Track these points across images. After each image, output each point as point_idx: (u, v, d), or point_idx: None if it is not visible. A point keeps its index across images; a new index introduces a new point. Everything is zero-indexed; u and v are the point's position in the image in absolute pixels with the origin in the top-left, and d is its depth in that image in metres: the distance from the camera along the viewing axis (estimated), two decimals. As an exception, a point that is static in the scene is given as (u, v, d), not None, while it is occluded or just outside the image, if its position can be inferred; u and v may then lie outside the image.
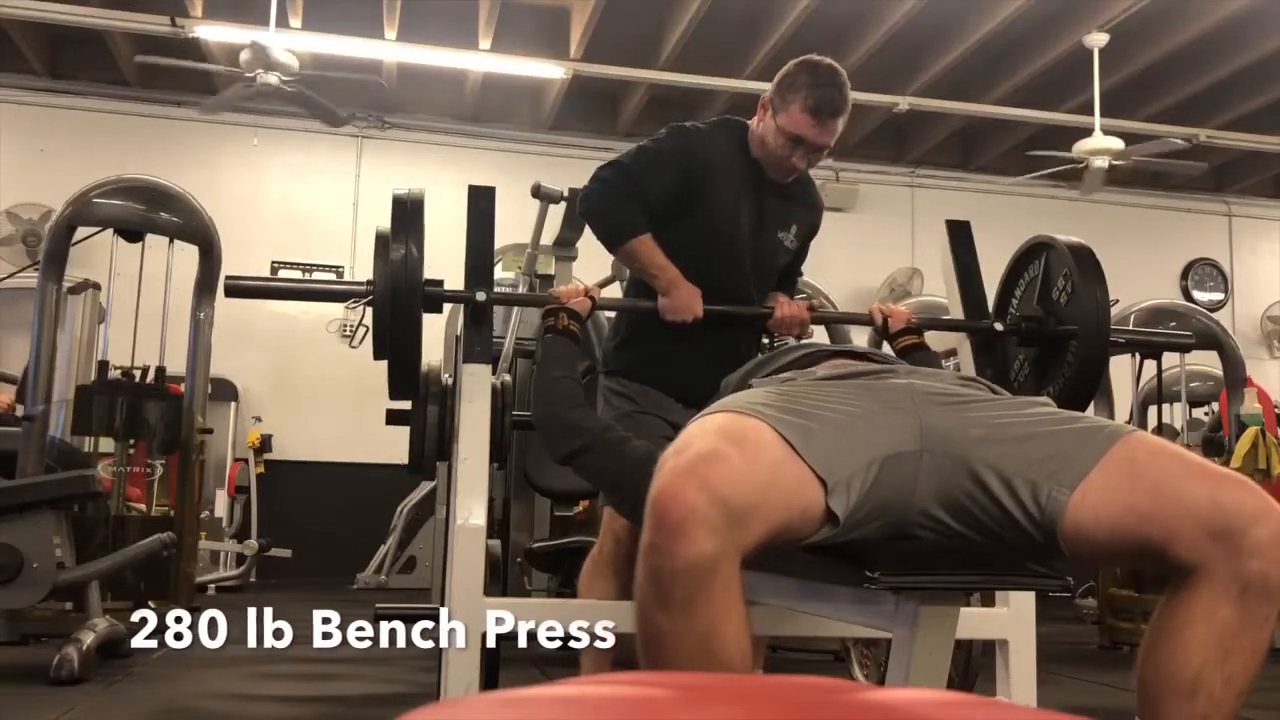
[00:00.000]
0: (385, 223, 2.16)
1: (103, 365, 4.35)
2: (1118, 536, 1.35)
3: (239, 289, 2.28)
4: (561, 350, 2.12)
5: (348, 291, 2.28)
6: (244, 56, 6.30)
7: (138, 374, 4.46)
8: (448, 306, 5.20)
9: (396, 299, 2.09)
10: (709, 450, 1.28)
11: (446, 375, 2.47)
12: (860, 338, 6.53)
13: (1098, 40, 6.98)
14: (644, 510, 1.27)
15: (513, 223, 3.32)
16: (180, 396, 4.46)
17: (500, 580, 2.59)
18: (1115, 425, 1.46)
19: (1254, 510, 1.28)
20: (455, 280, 2.19)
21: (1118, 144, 7.20)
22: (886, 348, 2.35)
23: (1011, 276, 2.42)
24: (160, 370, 4.45)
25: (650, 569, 1.23)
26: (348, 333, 8.08)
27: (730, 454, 1.28)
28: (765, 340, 2.57)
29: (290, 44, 6.53)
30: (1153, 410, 5.81)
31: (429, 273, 2.23)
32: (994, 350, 2.37)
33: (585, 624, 2.26)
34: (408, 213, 2.15)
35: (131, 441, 4.42)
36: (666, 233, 2.28)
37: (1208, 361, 5.78)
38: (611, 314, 2.92)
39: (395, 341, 2.13)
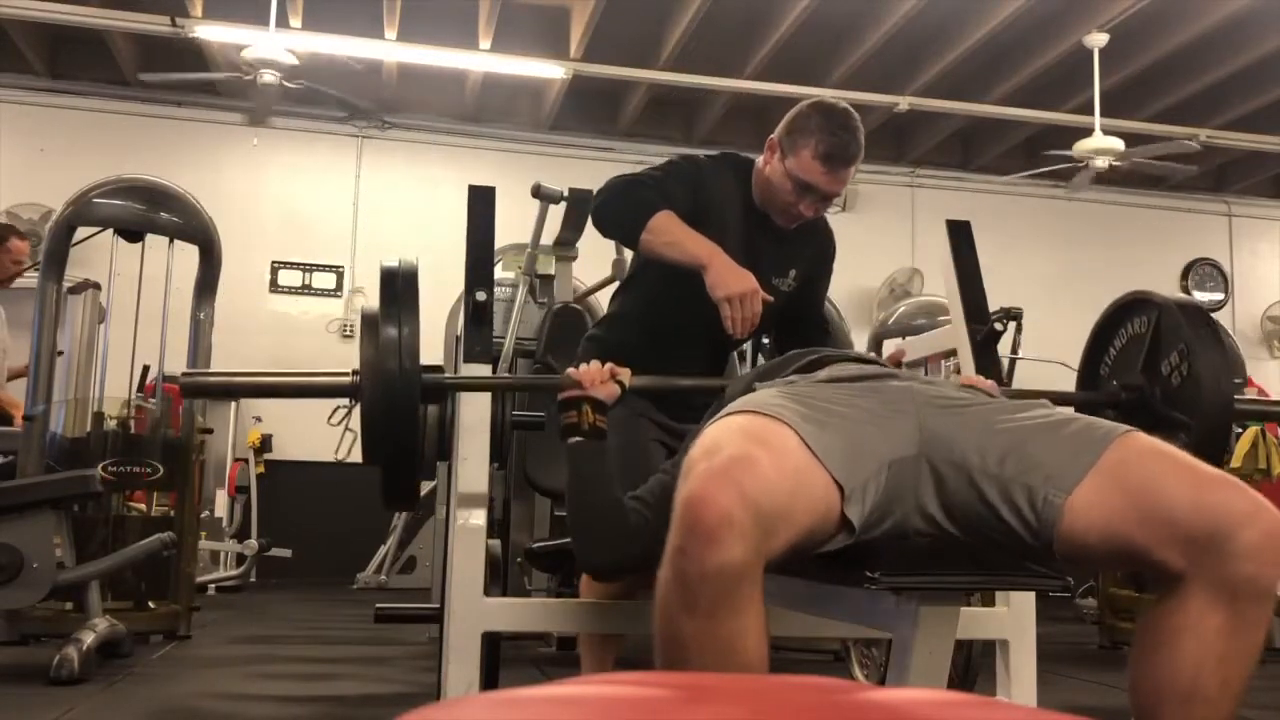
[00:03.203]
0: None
1: (98, 417, 4.30)
2: (1108, 542, 1.34)
3: (194, 387, 1.97)
4: (595, 466, 1.76)
5: (331, 386, 1.93)
6: (244, 56, 6.30)
7: (134, 408, 4.45)
8: (448, 304, 5.16)
9: (390, 390, 1.79)
10: (742, 454, 1.26)
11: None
12: (860, 341, 6.53)
13: (1098, 40, 6.99)
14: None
15: (513, 223, 3.32)
16: (179, 439, 4.41)
17: (500, 580, 2.58)
18: (1111, 426, 1.43)
19: (1243, 512, 1.25)
20: (456, 282, 2.16)
21: (1118, 144, 7.20)
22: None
23: (1106, 329, 2.16)
24: (158, 417, 4.43)
25: (678, 572, 1.21)
26: (348, 332, 8.10)
27: (762, 459, 1.26)
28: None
29: (290, 44, 6.53)
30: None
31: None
32: (993, 354, 2.34)
33: (584, 624, 2.26)
34: (399, 287, 1.87)
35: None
36: (660, 265, 2.15)
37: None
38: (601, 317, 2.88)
39: (390, 443, 1.82)
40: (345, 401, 1.90)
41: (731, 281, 1.97)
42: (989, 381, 2.01)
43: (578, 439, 1.79)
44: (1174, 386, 1.95)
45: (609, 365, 1.92)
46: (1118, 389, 2.05)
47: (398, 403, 1.80)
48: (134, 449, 4.26)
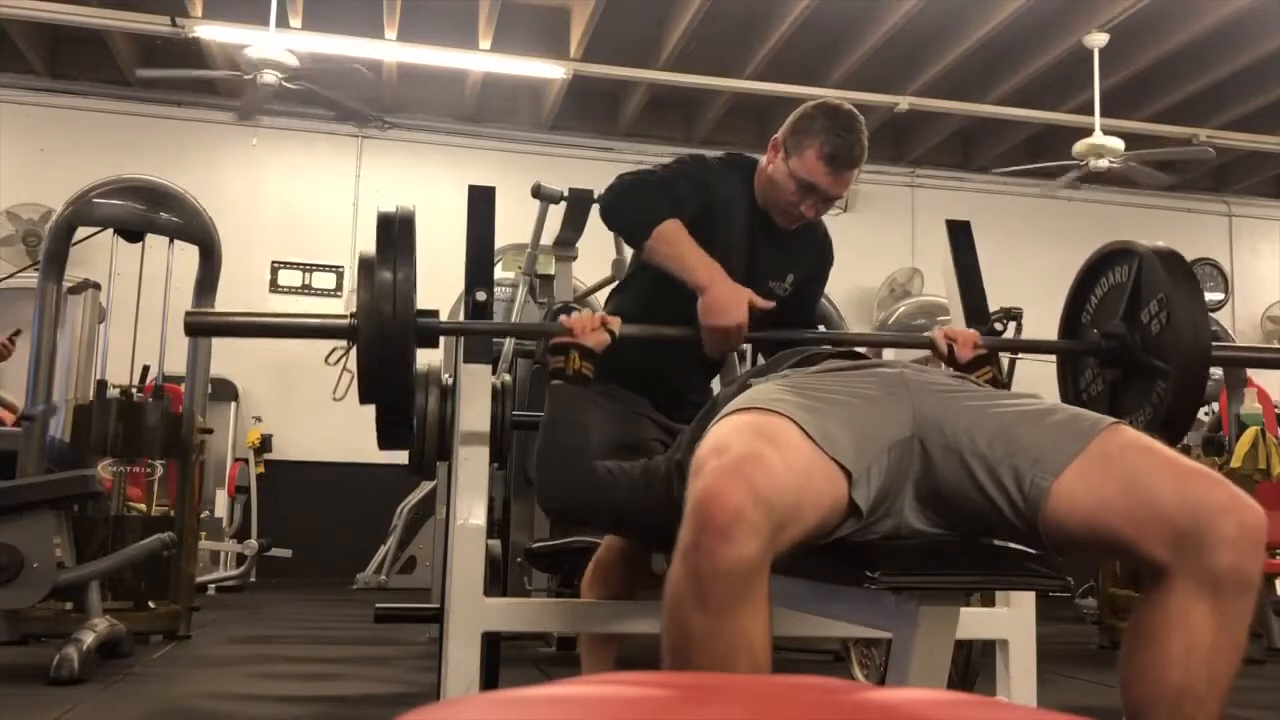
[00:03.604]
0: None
1: (101, 385, 4.32)
2: (1091, 531, 1.36)
3: (198, 326, 2.04)
4: (572, 410, 1.85)
5: (329, 328, 1.99)
6: (244, 56, 6.31)
7: (135, 391, 4.46)
8: (449, 303, 5.17)
9: (385, 333, 1.84)
10: (751, 452, 1.28)
11: (446, 375, 2.47)
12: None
13: (1098, 40, 6.99)
14: (655, 538, 1.21)
15: (513, 223, 3.32)
16: (179, 415, 4.43)
17: (500, 580, 2.59)
18: (1097, 417, 1.46)
19: (1221, 504, 1.28)
20: (456, 282, 2.17)
21: (1118, 144, 7.20)
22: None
23: (1088, 278, 2.20)
24: (159, 389, 4.45)
25: (691, 568, 1.22)
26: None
27: (771, 456, 1.28)
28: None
29: (290, 44, 6.54)
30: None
31: (430, 290, 2.10)
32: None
33: (584, 624, 2.26)
34: (396, 232, 1.92)
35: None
36: (656, 268, 2.13)
37: (1208, 361, 5.76)
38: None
39: (384, 384, 1.87)
40: (343, 343, 1.98)
41: (723, 313, 1.98)
42: (972, 332, 2.07)
43: (561, 381, 1.87)
44: (1153, 334, 1.99)
45: (599, 314, 1.97)
46: (1099, 337, 2.09)
47: (393, 344, 1.85)
48: (137, 415, 4.27)
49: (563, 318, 1.96)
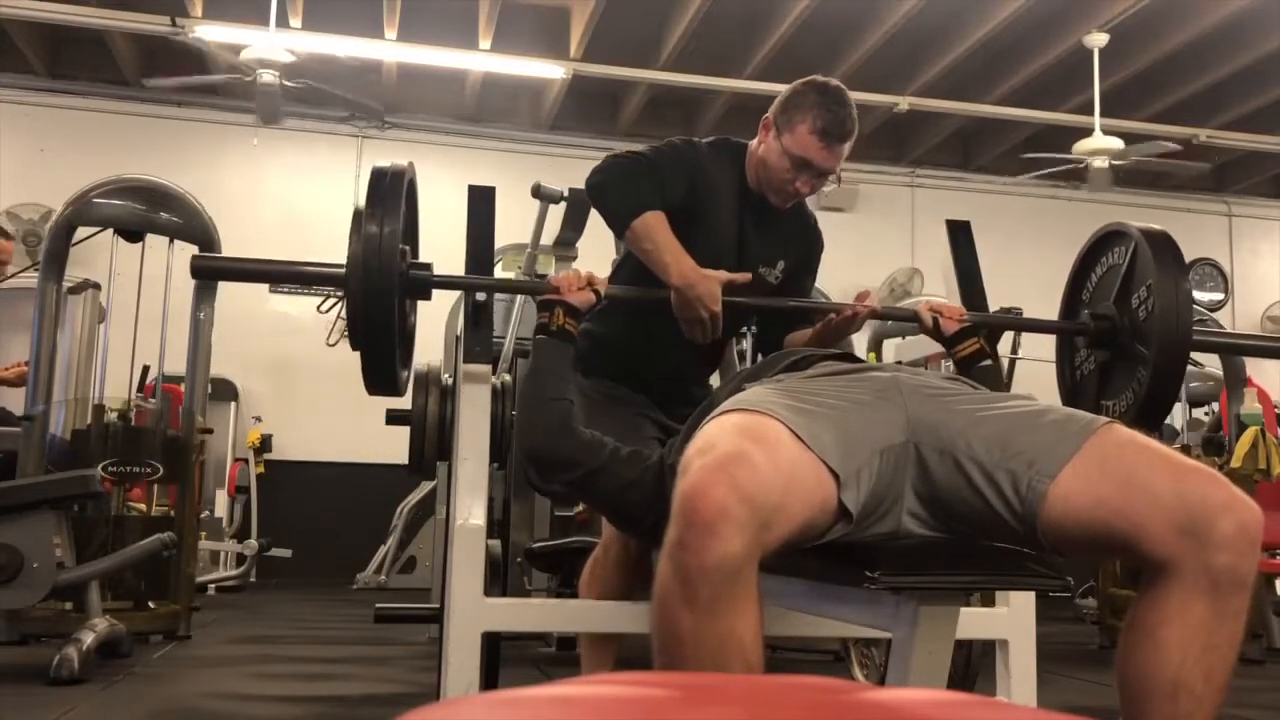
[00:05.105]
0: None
1: (98, 409, 4.30)
2: (1089, 529, 1.37)
3: (206, 269, 2.16)
4: (555, 362, 1.92)
5: (324, 275, 2.11)
6: (244, 56, 6.30)
7: (136, 400, 4.45)
8: (448, 305, 5.17)
9: (369, 280, 1.91)
10: (736, 450, 1.29)
11: (446, 375, 2.47)
12: (860, 340, 6.52)
13: (1098, 40, 6.99)
14: (627, 522, 1.23)
15: (513, 223, 3.32)
16: (179, 435, 4.43)
17: (500, 580, 2.58)
18: (1091, 417, 1.46)
19: (1220, 503, 1.28)
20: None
21: (1118, 144, 7.20)
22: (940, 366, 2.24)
23: (1089, 258, 2.23)
24: (159, 413, 4.44)
25: (677, 566, 1.23)
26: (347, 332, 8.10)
27: (755, 454, 1.29)
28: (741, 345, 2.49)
29: (290, 44, 6.53)
30: (1153, 410, 5.79)
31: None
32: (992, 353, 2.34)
33: (584, 624, 2.26)
34: (386, 185, 2.00)
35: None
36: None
37: (1208, 361, 5.77)
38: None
39: (368, 329, 1.95)
40: (336, 292, 2.09)
41: (693, 307, 2.04)
42: (957, 308, 2.11)
43: (544, 336, 1.95)
44: (1140, 321, 2.04)
45: (587, 272, 2.04)
46: (1089, 318, 2.14)
47: (379, 291, 1.92)
48: (135, 441, 4.26)
49: (549, 277, 2.05)
